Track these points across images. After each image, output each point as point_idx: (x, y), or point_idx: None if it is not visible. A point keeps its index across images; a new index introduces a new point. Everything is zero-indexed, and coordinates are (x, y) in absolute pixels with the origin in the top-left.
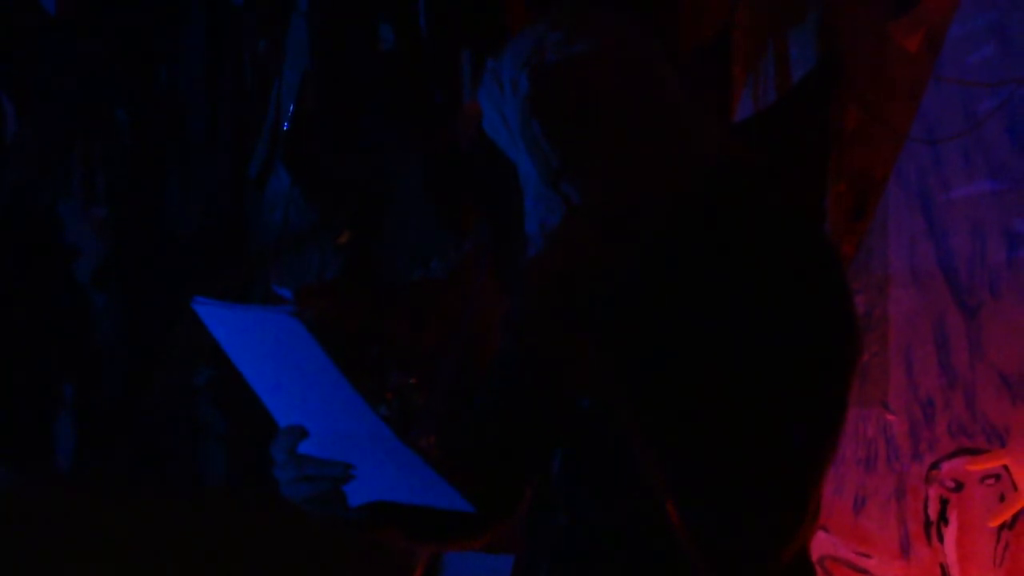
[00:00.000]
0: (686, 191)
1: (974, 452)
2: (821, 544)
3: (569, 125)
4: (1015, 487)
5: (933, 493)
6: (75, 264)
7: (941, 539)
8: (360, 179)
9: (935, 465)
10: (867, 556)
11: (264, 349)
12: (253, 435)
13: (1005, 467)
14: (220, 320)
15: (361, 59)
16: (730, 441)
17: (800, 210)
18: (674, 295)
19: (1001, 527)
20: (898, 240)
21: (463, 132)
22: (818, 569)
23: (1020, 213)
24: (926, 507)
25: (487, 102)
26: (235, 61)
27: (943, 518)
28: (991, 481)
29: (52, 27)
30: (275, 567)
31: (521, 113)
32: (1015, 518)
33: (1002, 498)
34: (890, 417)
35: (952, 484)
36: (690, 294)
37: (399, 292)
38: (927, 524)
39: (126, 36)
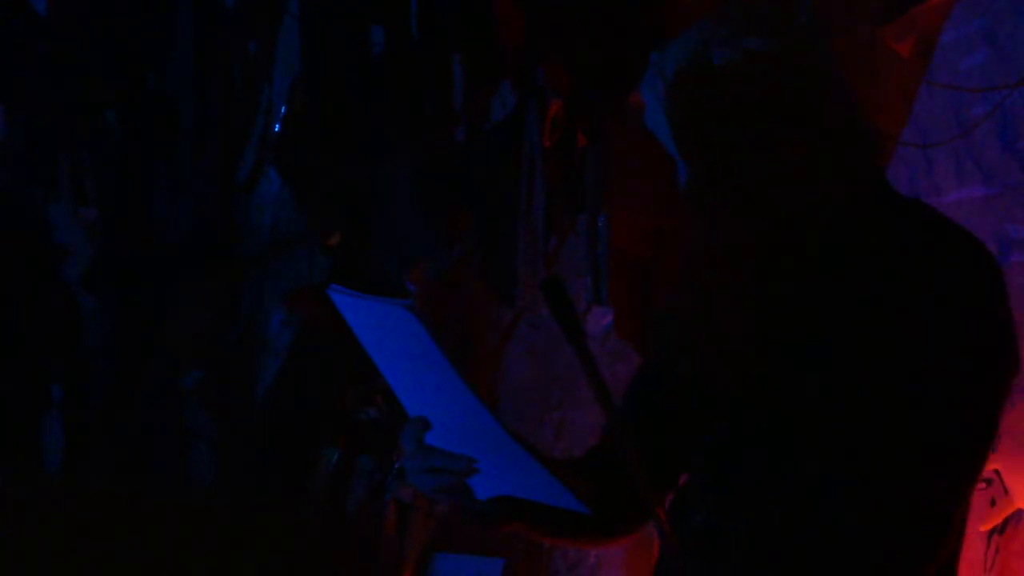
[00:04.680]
0: (845, 204)
1: None
2: None
3: (730, 125)
4: (1006, 492)
5: None
6: (64, 265)
7: None
8: (350, 182)
9: None
10: None
11: (390, 340)
12: (240, 437)
13: (996, 472)
14: (351, 309)
15: (352, 63)
16: (878, 452)
17: (959, 230)
18: (826, 300)
19: (992, 532)
20: None
21: (623, 125)
22: None
23: (1011, 218)
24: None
25: (650, 96)
26: (225, 64)
27: None
28: (982, 486)
29: (42, 30)
30: (264, 568)
31: (679, 108)
32: (1005, 523)
33: (993, 503)
34: None
35: None
36: (842, 302)
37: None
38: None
39: (116, 39)
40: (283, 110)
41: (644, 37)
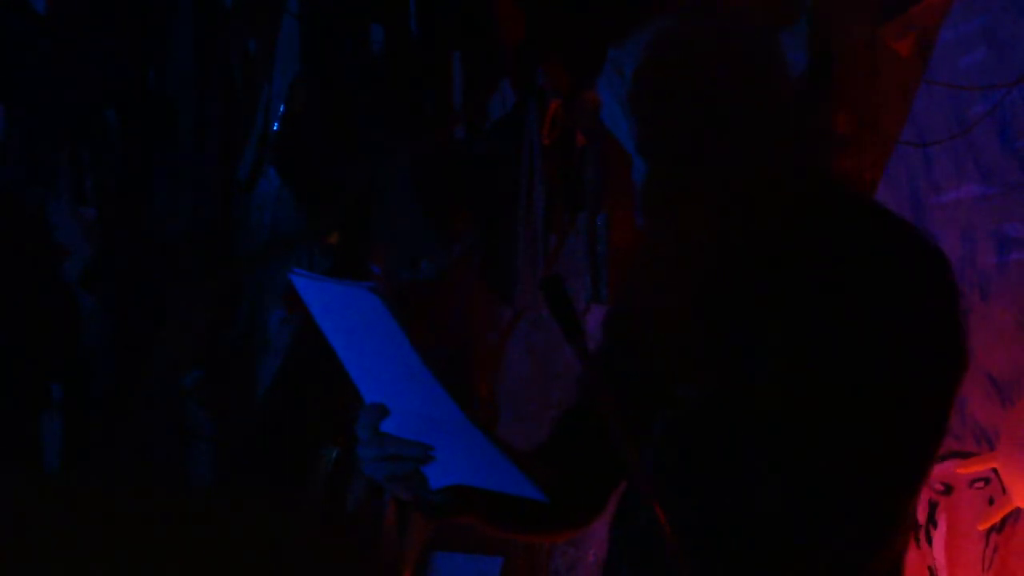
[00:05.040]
0: (795, 195)
1: (963, 455)
2: None
3: (685, 116)
4: (1004, 491)
5: (922, 496)
6: (63, 265)
7: (930, 542)
8: (350, 181)
9: None
10: None
11: (351, 324)
12: (239, 436)
13: (994, 470)
14: (312, 293)
15: (351, 61)
16: (830, 445)
17: (909, 228)
18: (779, 294)
19: (990, 531)
20: None
21: (579, 123)
22: None
23: (1010, 217)
24: (915, 510)
25: (607, 92)
26: (224, 62)
27: (932, 521)
28: (980, 484)
29: (41, 28)
30: (263, 567)
31: (638, 102)
32: (1004, 522)
33: (991, 501)
34: None
35: (941, 487)
36: (795, 296)
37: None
38: (916, 527)
39: (115, 37)
40: (282, 109)
41: None
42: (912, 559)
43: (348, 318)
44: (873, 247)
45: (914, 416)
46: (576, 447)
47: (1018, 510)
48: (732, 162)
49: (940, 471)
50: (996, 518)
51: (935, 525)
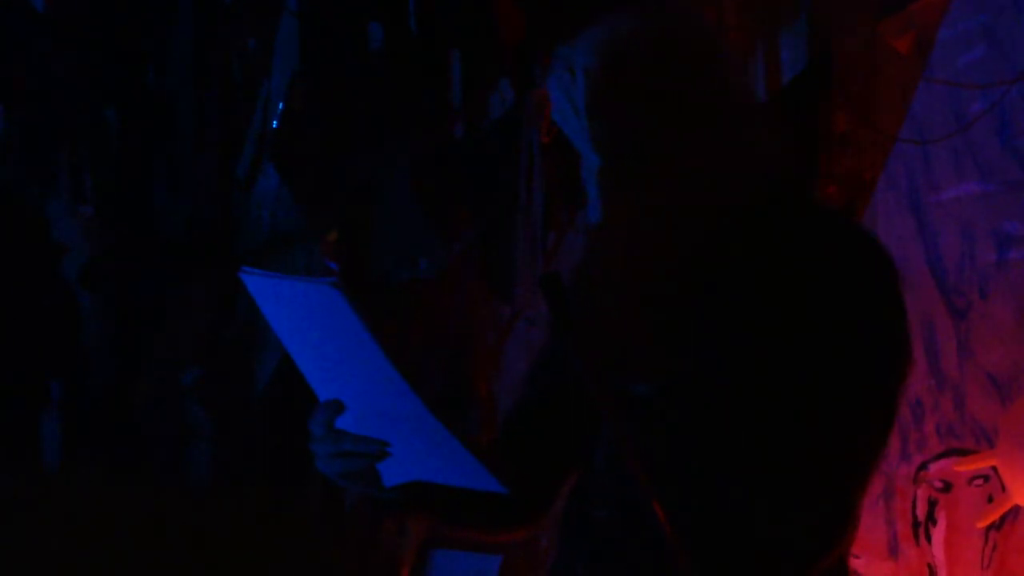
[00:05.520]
0: (747, 194)
1: (962, 453)
2: None
3: (638, 113)
4: (1003, 488)
5: (921, 494)
6: (62, 263)
7: (929, 539)
8: (349, 179)
9: (923, 466)
10: (855, 556)
11: (307, 321)
12: (239, 435)
13: (993, 468)
14: (265, 291)
15: (350, 59)
16: (780, 443)
17: (860, 231)
18: (730, 293)
19: (989, 528)
20: (887, 241)
21: (530, 119)
22: None
23: (1009, 215)
24: (914, 508)
25: (557, 89)
26: (224, 61)
27: (931, 518)
28: (979, 482)
29: (40, 26)
30: (262, 566)
31: (591, 100)
32: (1003, 519)
33: (990, 499)
34: None
35: (940, 485)
36: (745, 295)
37: (387, 292)
38: (915, 524)
39: (115, 35)
40: (282, 107)
41: None
42: (912, 557)
43: (304, 315)
44: (820, 248)
45: (860, 415)
46: (530, 441)
47: (1017, 507)
48: (683, 161)
49: (939, 468)
50: (995, 515)
51: (934, 522)
